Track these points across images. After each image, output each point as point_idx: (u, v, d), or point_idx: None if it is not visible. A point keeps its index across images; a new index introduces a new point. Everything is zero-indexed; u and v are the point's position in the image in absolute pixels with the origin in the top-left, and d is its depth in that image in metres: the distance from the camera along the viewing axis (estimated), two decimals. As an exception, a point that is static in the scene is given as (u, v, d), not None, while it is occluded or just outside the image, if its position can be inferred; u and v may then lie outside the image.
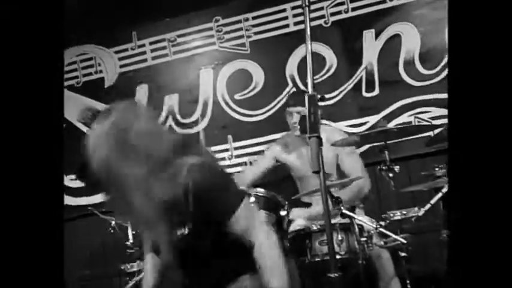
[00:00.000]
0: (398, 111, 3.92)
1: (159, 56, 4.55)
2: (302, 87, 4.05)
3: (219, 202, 1.85)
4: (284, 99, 3.94)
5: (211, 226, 1.85)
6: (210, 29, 4.44)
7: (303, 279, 3.04)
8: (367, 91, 4.01)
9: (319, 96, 1.80)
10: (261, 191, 2.79)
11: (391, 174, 2.75)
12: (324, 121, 3.48)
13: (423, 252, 3.68)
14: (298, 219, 3.15)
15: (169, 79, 4.51)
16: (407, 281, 2.78)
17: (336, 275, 1.74)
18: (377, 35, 3.99)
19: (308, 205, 3.31)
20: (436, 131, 2.85)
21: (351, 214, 2.85)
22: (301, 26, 4.07)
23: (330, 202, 3.05)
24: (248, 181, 3.49)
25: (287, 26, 4.25)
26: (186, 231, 1.85)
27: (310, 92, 1.77)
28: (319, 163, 1.69)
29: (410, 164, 3.74)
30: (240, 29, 4.37)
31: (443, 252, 2.93)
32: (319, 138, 1.72)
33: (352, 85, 4.04)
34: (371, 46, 4.00)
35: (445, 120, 3.05)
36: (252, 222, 1.90)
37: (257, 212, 2.56)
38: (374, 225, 2.71)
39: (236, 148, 4.31)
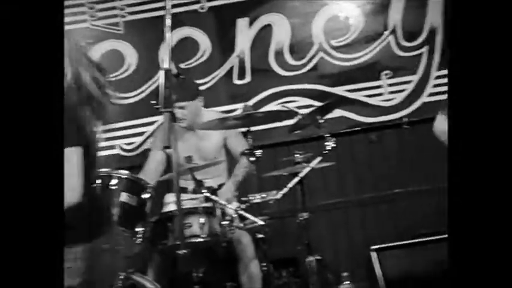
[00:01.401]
0: (267, 100, 4.03)
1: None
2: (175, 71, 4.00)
3: None
4: (157, 82, 3.87)
5: None
6: (82, 5, 4.24)
7: (164, 263, 3.05)
8: (238, 78, 4.07)
9: (175, 72, 1.79)
10: (124, 173, 2.73)
11: (252, 159, 2.81)
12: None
13: (283, 236, 3.83)
14: (170, 204, 3.13)
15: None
16: (264, 263, 2.88)
17: (185, 251, 1.76)
18: (251, 24, 4.06)
19: (185, 190, 3.29)
20: (296, 118, 2.97)
21: (214, 197, 2.89)
22: (177, 9, 4.02)
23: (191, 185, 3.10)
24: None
25: (163, 8, 4.16)
26: None
27: (165, 67, 1.75)
28: (170, 139, 1.69)
29: (276, 151, 3.87)
30: (114, 7, 4.21)
31: (302, 234, 3.07)
32: (172, 114, 1.72)
33: (224, 72, 4.07)
34: (244, 34, 4.06)
35: (310, 109, 3.18)
36: None
37: None
38: (234, 208, 2.77)
39: (106, 131, 4.16)
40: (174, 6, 4.10)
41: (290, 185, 2.80)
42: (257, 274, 3.08)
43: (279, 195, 2.83)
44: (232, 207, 2.81)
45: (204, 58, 4.08)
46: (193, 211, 2.89)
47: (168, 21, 1.80)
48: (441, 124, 2.51)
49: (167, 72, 1.77)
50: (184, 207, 2.90)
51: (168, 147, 1.71)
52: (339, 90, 4.05)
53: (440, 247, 3.59)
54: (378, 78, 4.06)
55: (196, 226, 2.85)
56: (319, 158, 2.91)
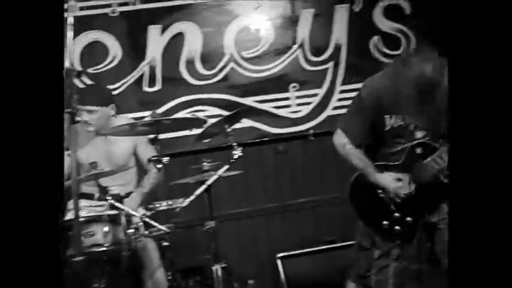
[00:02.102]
0: (177, 108, 4.03)
1: None
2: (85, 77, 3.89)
3: None
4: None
5: None
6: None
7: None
8: (149, 86, 4.03)
9: (77, 71, 1.76)
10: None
11: (159, 166, 2.80)
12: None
13: (191, 244, 3.83)
14: (71, 211, 3.03)
15: None
16: (169, 272, 2.87)
17: (80, 259, 1.72)
18: (163, 31, 4.04)
19: (90, 196, 3.19)
20: (204, 127, 3.00)
21: (119, 205, 2.84)
22: (87, 12, 3.92)
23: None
24: None
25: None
26: None
27: (67, 66, 1.72)
28: (68, 141, 1.65)
29: (185, 159, 3.86)
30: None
31: (209, 243, 3.09)
32: (72, 114, 1.68)
33: (134, 78, 4.02)
34: (156, 41, 4.03)
35: (218, 119, 3.21)
36: None
37: None
38: (139, 216, 2.73)
39: None
40: (83, 8, 4.02)
41: (197, 192, 2.81)
42: (163, 282, 3.06)
43: (186, 202, 2.84)
44: (137, 215, 2.78)
45: (114, 63, 4.00)
46: (97, 219, 2.81)
47: (71, 20, 1.76)
48: (339, 138, 2.64)
49: (68, 71, 1.73)
50: (87, 214, 2.83)
51: (67, 149, 1.67)
52: (249, 101, 4.13)
53: (341, 254, 3.76)
54: (286, 90, 4.18)
55: (100, 234, 2.78)
56: (226, 167, 2.95)
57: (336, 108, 4.20)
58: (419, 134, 2.52)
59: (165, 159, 2.79)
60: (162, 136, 2.96)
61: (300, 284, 3.84)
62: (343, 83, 4.21)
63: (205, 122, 3.08)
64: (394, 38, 4.28)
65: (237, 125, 3.69)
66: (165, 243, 2.77)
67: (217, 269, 3.01)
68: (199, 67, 4.07)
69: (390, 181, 2.51)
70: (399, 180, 2.51)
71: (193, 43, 4.06)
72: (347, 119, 2.65)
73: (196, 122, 3.25)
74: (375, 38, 4.25)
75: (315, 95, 4.22)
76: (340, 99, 4.20)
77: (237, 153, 2.93)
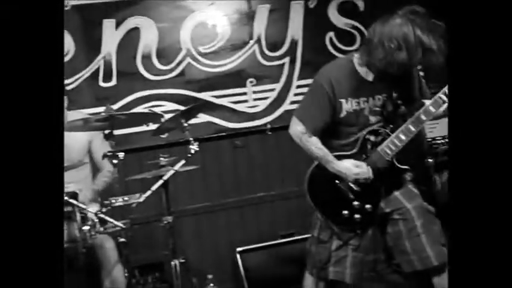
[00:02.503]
0: (134, 103, 3.98)
1: None
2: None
3: None
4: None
5: None
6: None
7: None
8: (104, 81, 3.97)
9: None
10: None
11: (115, 161, 2.77)
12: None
13: (149, 241, 3.81)
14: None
15: None
16: (125, 269, 2.84)
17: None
18: (117, 26, 3.98)
19: None
20: (160, 122, 2.98)
21: (73, 201, 2.79)
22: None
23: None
24: None
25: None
26: None
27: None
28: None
29: (142, 154, 3.83)
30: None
31: (168, 239, 3.07)
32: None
33: (89, 73, 3.95)
34: (111, 36, 3.97)
35: (174, 113, 3.20)
36: None
37: None
38: (94, 212, 2.70)
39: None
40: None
41: (153, 187, 2.79)
42: (121, 279, 3.03)
43: (142, 198, 2.81)
44: (92, 211, 2.73)
45: (68, 58, 3.91)
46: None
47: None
48: (295, 127, 2.65)
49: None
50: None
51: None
52: (206, 96, 4.12)
53: (300, 248, 3.80)
54: (243, 85, 4.20)
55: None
56: (182, 161, 2.94)
57: (293, 102, 4.24)
58: (373, 119, 2.57)
59: (121, 155, 2.76)
60: (117, 132, 2.93)
61: (258, 278, 3.87)
62: (300, 77, 4.25)
63: (161, 116, 3.06)
64: (349, 33, 4.36)
65: (194, 120, 3.68)
66: (122, 240, 2.73)
67: (175, 264, 3.00)
68: (155, 62, 4.03)
69: (350, 167, 2.55)
70: (358, 166, 2.55)
71: (149, 38, 4.02)
72: (303, 107, 2.66)
73: (152, 117, 3.22)
74: (330, 34, 4.32)
75: (272, 89, 4.25)
76: (296, 94, 4.24)
77: (194, 148, 2.92)
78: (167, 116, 3.11)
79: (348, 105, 2.54)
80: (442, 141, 3.49)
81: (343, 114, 2.55)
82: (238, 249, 3.95)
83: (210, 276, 3.63)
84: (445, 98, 2.38)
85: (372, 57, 2.41)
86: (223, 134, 4.17)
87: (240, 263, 3.90)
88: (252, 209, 4.24)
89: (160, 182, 2.81)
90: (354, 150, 2.57)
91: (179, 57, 4.07)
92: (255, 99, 4.22)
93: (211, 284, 3.60)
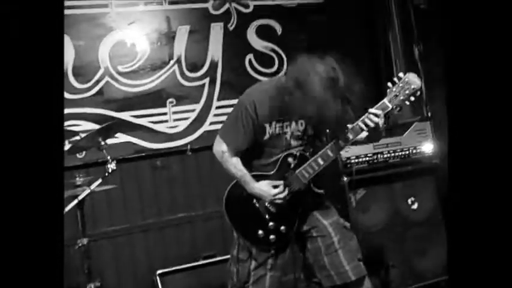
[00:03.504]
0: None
1: None
2: None
3: None
4: None
5: None
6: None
7: None
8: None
9: None
10: None
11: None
12: None
13: (65, 264, 3.65)
14: None
15: None
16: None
17: None
18: (32, 43, 3.85)
19: None
20: (73, 140, 2.91)
21: None
22: None
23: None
24: None
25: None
26: None
27: None
28: None
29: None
30: None
31: (83, 262, 2.97)
32: None
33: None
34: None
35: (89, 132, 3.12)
36: None
37: None
38: None
39: None
40: None
41: (67, 208, 2.70)
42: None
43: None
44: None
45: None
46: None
47: None
48: (218, 146, 2.68)
49: None
50: None
51: None
52: (125, 116, 4.06)
53: (221, 268, 3.80)
54: (163, 105, 4.18)
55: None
56: (99, 180, 2.87)
57: (213, 123, 4.27)
58: (294, 143, 2.64)
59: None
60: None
61: (177, 300, 3.82)
62: (219, 98, 4.30)
63: (76, 134, 2.98)
64: (268, 56, 4.48)
65: (113, 140, 3.62)
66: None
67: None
68: (72, 80, 3.93)
69: (267, 188, 2.59)
70: (275, 187, 2.61)
71: (65, 56, 3.92)
72: (226, 127, 2.69)
73: (67, 135, 3.13)
74: (249, 56, 4.41)
75: (192, 110, 4.26)
76: (216, 115, 4.28)
77: (111, 167, 2.87)
78: (82, 134, 3.04)
79: (271, 129, 2.60)
80: (356, 160, 3.63)
81: (266, 137, 2.60)
82: (158, 271, 3.88)
83: (127, 300, 3.54)
84: (363, 126, 2.49)
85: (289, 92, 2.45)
86: (143, 154, 4.12)
87: (159, 285, 3.83)
88: (173, 230, 4.19)
89: (75, 202, 2.73)
90: (273, 171, 2.63)
91: (97, 76, 4.00)
92: (175, 120, 4.21)
93: (129, 308, 3.51)
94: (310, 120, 2.57)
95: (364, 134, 2.54)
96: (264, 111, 2.55)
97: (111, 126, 3.17)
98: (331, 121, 2.59)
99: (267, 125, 2.58)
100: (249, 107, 2.55)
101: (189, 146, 4.21)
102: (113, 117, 4.00)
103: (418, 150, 3.80)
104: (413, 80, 2.45)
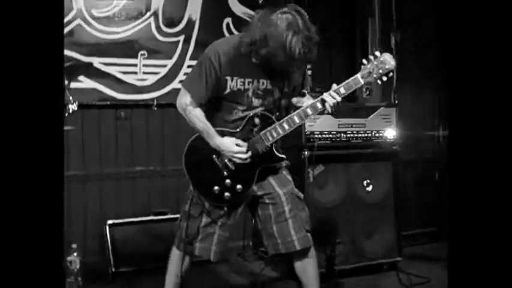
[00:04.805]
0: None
1: None
2: None
3: None
4: None
5: None
6: None
7: None
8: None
9: None
10: None
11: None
12: None
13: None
14: None
15: None
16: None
17: None
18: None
19: None
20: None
21: None
22: None
23: None
24: None
25: None
26: None
27: None
28: None
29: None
30: None
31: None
32: None
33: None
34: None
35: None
36: None
37: None
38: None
39: None
40: None
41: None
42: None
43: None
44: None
45: None
46: None
47: None
48: (182, 97, 2.65)
49: None
50: None
51: None
52: (94, 61, 3.98)
53: (170, 225, 3.81)
54: (134, 57, 4.11)
55: None
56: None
57: (182, 81, 4.21)
58: (256, 102, 2.65)
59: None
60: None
61: (125, 252, 3.83)
62: (192, 57, 4.25)
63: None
64: (246, 22, 4.43)
65: (78, 84, 3.55)
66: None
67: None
68: (41, 18, 3.82)
69: (230, 144, 2.59)
70: (238, 146, 2.61)
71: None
72: (190, 78, 2.68)
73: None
74: (228, 20, 4.37)
75: (164, 65, 4.21)
76: (187, 74, 4.23)
77: (72, 107, 2.82)
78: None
79: (232, 83, 2.59)
80: (319, 136, 3.66)
81: (227, 91, 2.59)
82: (109, 221, 3.87)
83: (74, 246, 3.52)
84: (331, 99, 2.52)
85: (256, 47, 2.47)
86: (107, 103, 4.06)
87: (108, 235, 3.83)
88: (129, 183, 4.18)
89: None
90: (237, 129, 2.63)
91: (69, 17, 3.89)
92: (145, 73, 4.16)
93: (75, 254, 3.49)
94: (274, 74, 2.59)
95: (335, 101, 2.55)
96: (227, 64, 2.55)
97: (76, 67, 3.10)
98: (295, 78, 2.62)
99: (228, 78, 2.58)
100: (213, 58, 2.55)
101: (155, 101, 4.17)
102: (80, 61, 3.92)
103: (381, 135, 3.85)
104: (388, 60, 2.50)
